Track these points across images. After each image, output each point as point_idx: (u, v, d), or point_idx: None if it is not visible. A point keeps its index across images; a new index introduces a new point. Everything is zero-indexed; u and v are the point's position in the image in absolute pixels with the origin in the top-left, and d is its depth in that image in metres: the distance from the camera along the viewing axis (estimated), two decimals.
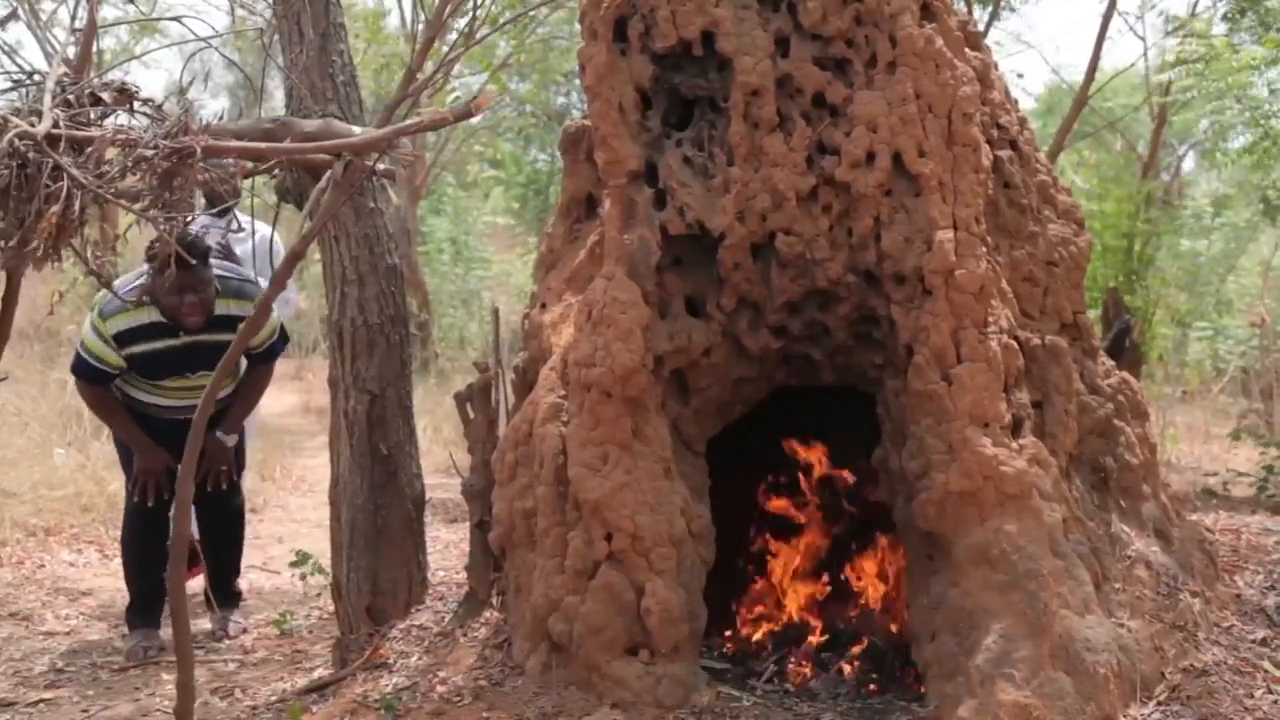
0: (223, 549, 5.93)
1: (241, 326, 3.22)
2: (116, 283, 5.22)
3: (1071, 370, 4.39)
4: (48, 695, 5.08)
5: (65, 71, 2.49)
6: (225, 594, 5.95)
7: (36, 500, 8.37)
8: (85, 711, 4.88)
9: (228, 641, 5.74)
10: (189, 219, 2.62)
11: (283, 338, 5.63)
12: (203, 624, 5.85)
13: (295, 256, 2.96)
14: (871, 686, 4.40)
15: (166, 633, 5.51)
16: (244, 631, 5.84)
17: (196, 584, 5.96)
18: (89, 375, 5.29)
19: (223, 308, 5.21)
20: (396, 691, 4.34)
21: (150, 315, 5.16)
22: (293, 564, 5.92)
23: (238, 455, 5.84)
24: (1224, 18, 10.77)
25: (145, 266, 5.26)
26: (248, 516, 6.54)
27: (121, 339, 5.17)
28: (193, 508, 5.63)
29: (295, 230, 4.67)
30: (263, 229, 6.37)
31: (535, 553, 4.35)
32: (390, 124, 3.69)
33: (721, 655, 4.69)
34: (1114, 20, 10.90)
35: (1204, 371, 13.04)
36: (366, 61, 13.75)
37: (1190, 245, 12.50)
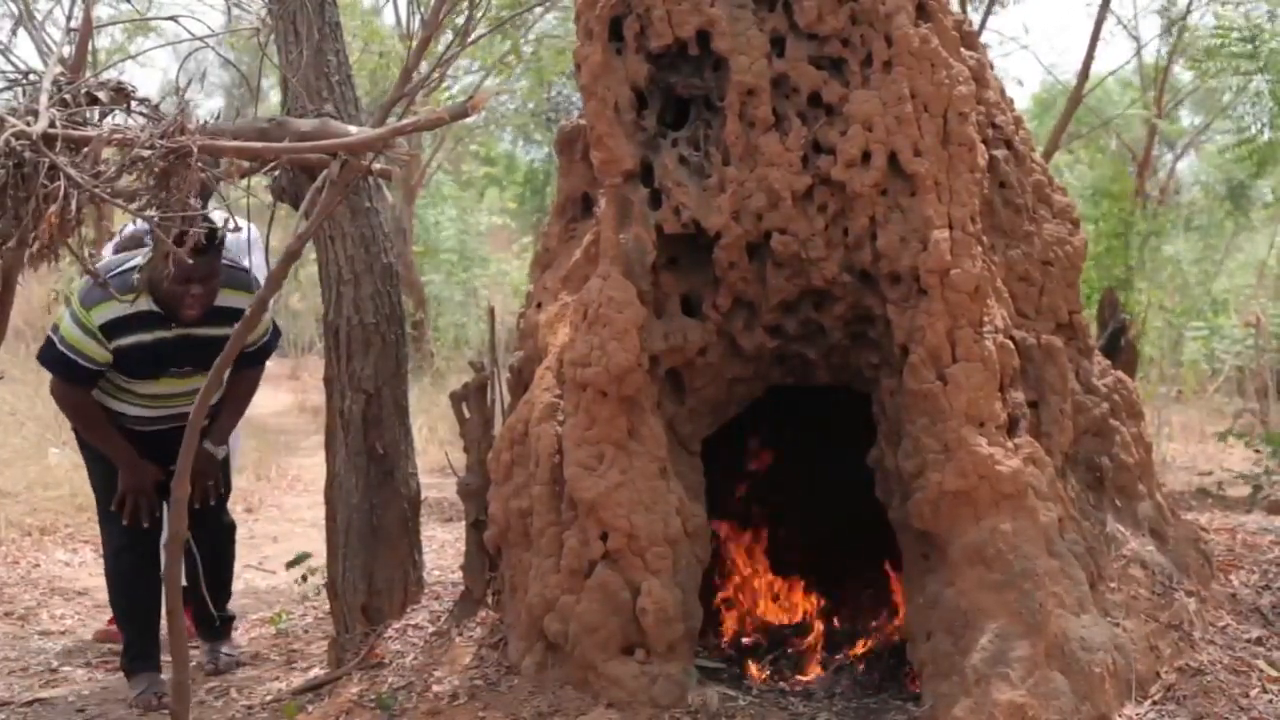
0: (213, 571, 5.18)
1: (237, 326, 3.13)
2: (98, 266, 4.74)
3: (1067, 370, 4.40)
4: (43, 695, 5.08)
5: (61, 71, 2.49)
6: (216, 621, 5.38)
7: (31, 500, 8.37)
8: (81, 711, 4.88)
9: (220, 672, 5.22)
10: (188, 218, 2.60)
11: (275, 334, 5.14)
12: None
13: (291, 256, 2.95)
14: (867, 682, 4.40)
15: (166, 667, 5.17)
16: (238, 665, 5.30)
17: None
18: (68, 373, 4.68)
19: (220, 299, 4.68)
20: (392, 691, 4.34)
21: (142, 303, 4.61)
22: (290, 564, 5.92)
23: (225, 471, 5.27)
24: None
25: (128, 253, 4.82)
26: (243, 517, 6.46)
27: (109, 330, 4.59)
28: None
29: (291, 230, 4.65)
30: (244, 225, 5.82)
31: (531, 552, 4.35)
32: (386, 123, 3.70)
33: (717, 654, 4.69)
34: (1108, 21, 10.91)
35: (1199, 371, 13.06)
36: (362, 62, 13.74)
37: (1173, 250, 12.52)
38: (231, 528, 5.43)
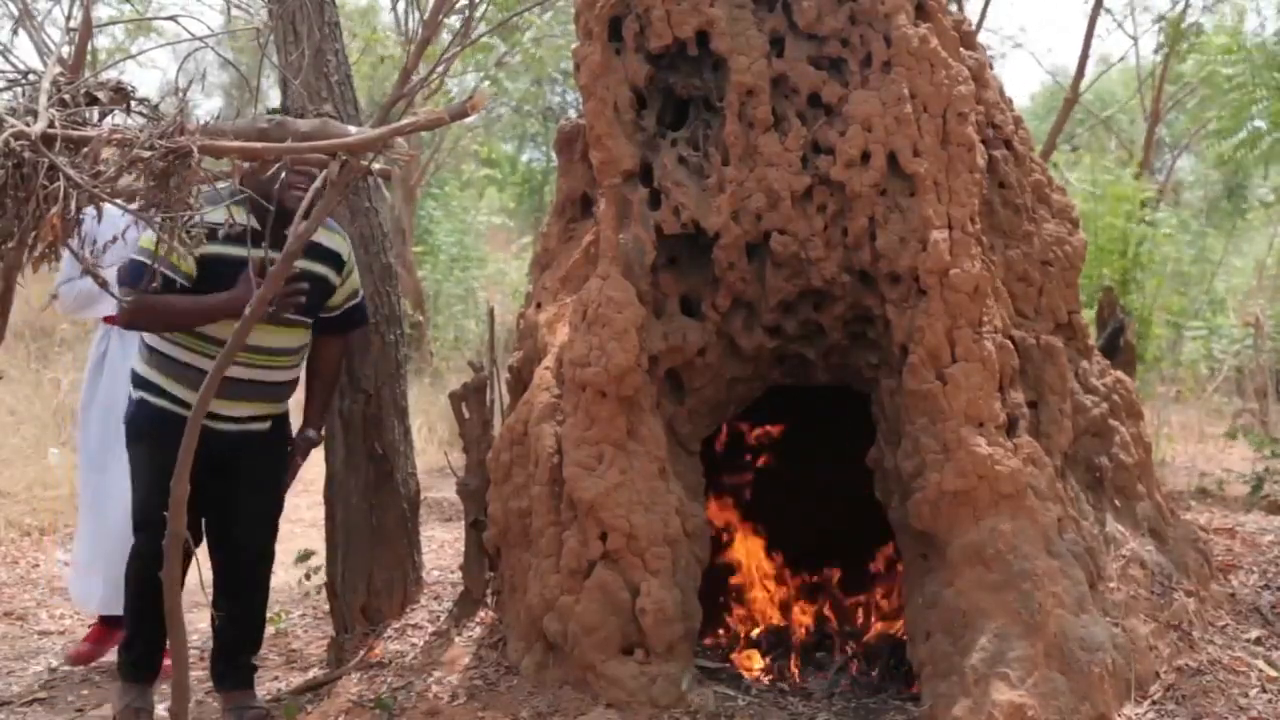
0: (243, 605, 4.54)
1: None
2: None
3: (1066, 370, 4.40)
4: (42, 695, 5.08)
5: (61, 71, 2.49)
6: (244, 669, 4.62)
7: (31, 500, 8.37)
8: (80, 711, 4.88)
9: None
10: (189, 219, 2.58)
11: (363, 302, 4.68)
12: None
13: (290, 256, 2.95)
14: (863, 678, 4.41)
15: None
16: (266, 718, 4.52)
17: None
18: (142, 280, 4.05)
19: (320, 236, 4.28)
20: (391, 691, 4.34)
21: (238, 214, 3.99)
22: (298, 559, 5.90)
23: (278, 495, 4.71)
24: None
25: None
26: None
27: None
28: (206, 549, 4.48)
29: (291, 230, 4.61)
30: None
31: (530, 552, 4.35)
32: (386, 123, 3.69)
33: (715, 653, 4.69)
34: (1105, 21, 10.90)
35: (1198, 371, 13.04)
36: (361, 63, 13.73)
37: (1172, 251, 12.50)
38: (272, 554, 4.71)
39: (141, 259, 4.09)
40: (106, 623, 5.47)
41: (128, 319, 4.36)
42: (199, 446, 3.67)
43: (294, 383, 4.58)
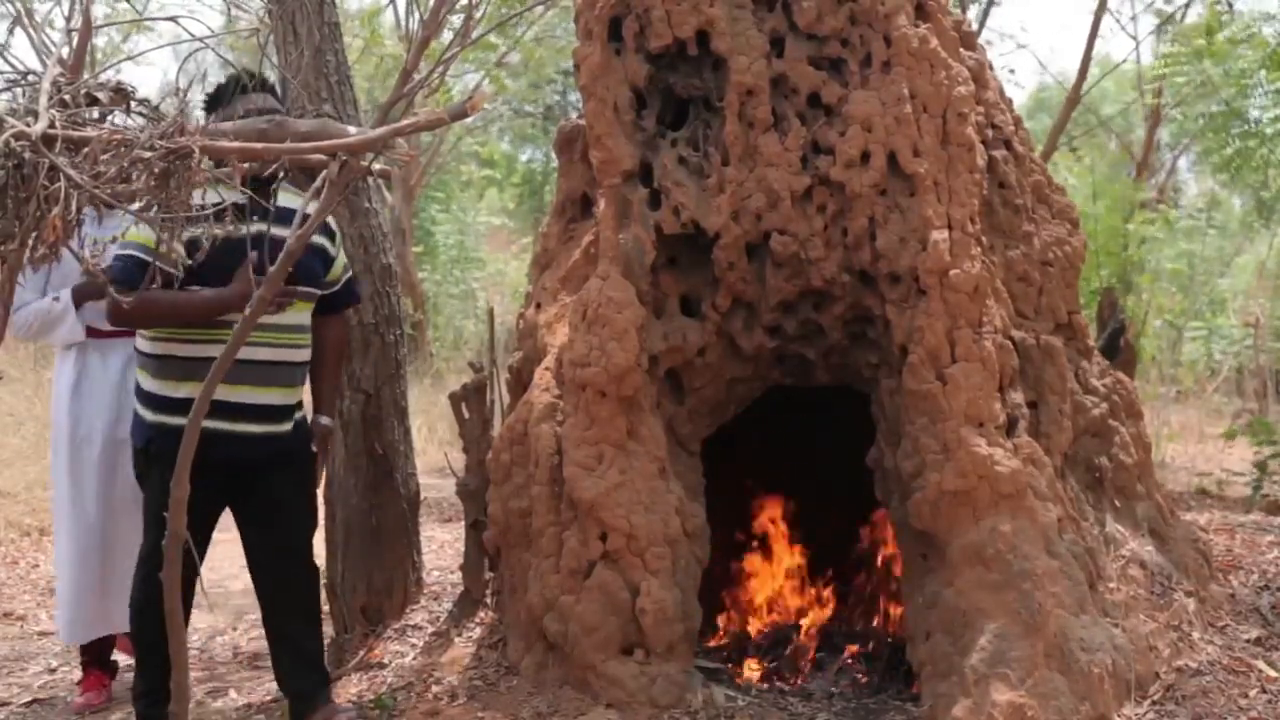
0: (298, 620, 4.20)
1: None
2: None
3: (1066, 370, 4.40)
4: (41, 696, 5.07)
5: (61, 71, 2.49)
6: (320, 680, 4.21)
7: (31, 500, 8.38)
8: (79, 712, 4.87)
9: None
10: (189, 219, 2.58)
11: (354, 279, 4.47)
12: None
13: (290, 256, 2.95)
14: (863, 678, 4.40)
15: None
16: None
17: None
18: (140, 278, 3.69)
19: (283, 199, 3.97)
20: (391, 691, 4.35)
21: (218, 193, 3.45)
22: None
23: (311, 509, 4.34)
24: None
25: None
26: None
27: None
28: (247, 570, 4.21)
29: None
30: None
31: (530, 552, 4.35)
32: (386, 123, 3.68)
33: (716, 653, 4.69)
34: (1107, 20, 10.91)
35: (1198, 371, 13.05)
36: (361, 63, 13.73)
37: (1186, 246, 12.52)
38: (317, 571, 4.35)
39: (134, 253, 3.86)
40: (101, 666, 4.97)
41: (122, 317, 4.00)
42: (226, 461, 3.90)
43: (306, 364, 4.26)
